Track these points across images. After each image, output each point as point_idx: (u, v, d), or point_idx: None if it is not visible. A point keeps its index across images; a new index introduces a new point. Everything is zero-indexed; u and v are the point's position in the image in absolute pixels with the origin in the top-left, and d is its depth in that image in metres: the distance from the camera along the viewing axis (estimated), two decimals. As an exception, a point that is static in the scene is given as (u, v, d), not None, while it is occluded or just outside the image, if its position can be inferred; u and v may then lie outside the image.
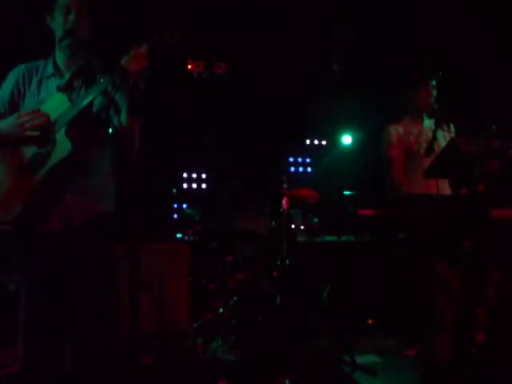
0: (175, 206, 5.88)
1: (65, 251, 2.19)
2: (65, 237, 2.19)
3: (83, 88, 2.30)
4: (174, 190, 5.67)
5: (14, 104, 2.32)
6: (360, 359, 3.67)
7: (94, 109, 2.26)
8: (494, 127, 2.26)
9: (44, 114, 2.17)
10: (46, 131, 2.17)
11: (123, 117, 2.23)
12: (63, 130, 2.15)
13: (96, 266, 2.22)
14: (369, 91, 5.72)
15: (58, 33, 2.30)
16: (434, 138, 2.64)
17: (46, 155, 2.17)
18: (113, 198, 2.39)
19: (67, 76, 2.34)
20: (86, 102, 2.15)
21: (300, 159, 6.73)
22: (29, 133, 2.16)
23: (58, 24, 2.29)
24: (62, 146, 2.14)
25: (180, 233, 4.86)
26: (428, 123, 3.14)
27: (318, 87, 6.06)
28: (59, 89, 2.28)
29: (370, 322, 4.71)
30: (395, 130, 3.15)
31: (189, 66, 5.92)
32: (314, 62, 5.95)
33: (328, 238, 4.91)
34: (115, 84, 2.15)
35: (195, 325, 3.89)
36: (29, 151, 2.20)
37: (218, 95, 5.93)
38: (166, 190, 5.60)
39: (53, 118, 2.18)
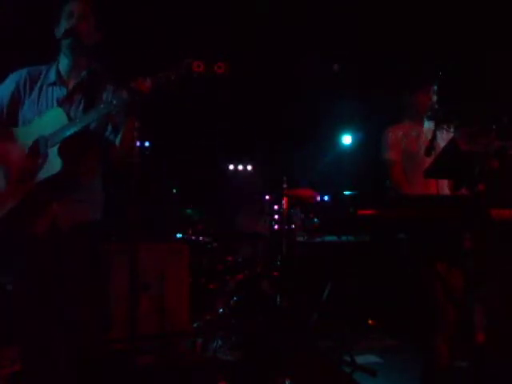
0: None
1: (51, 254, 2.18)
2: (51, 240, 2.19)
3: (82, 103, 2.30)
4: (174, 190, 5.67)
5: (13, 108, 2.31)
6: (360, 359, 3.67)
7: (91, 127, 2.25)
8: (494, 127, 2.26)
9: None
10: (39, 146, 2.18)
11: (119, 138, 2.24)
12: (56, 147, 2.15)
13: (82, 269, 2.21)
14: (369, 91, 5.72)
15: (60, 35, 2.30)
16: (434, 137, 2.64)
17: (36, 168, 2.18)
18: (101, 208, 2.38)
19: (69, 86, 2.33)
20: (83, 124, 2.15)
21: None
22: None
23: (62, 30, 2.30)
24: (53, 163, 2.14)
25: (180, 233, 4.86)
26: (428, 125, 3.15)
27: (318, 87, 6.06)
28: (59, 102, 2.28)
29: (370, 322, 4.72)
30: (394, 133, 3.16)
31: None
32: (315, 62, 5.95)
33: (328, 238, 4.91)
34: (118, 107, 2.14)
35: (195, 325, 3.89)
36: (22, 161, 2.21)
37: (218, 95, 5.93)
38: (166, 190, 5.61)
39: (48, 131, 2.17)
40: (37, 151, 2.18)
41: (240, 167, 5.74)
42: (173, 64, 2.12)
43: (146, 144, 5.89)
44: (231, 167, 5.68)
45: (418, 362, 2.86)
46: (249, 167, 5.77)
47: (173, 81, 2.11)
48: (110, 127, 2.30)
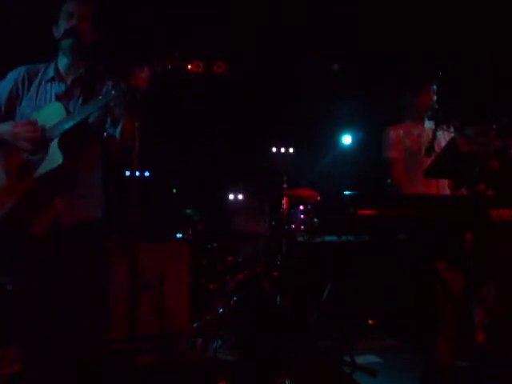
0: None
1: (51, 253, 2.18)
2: (51, 240, 2.18)
3: (81, 97, 2.29)
4: (174, 190, 5.67)
5: (11, 105, 2.31)
6: (360, 359, 3.67)
7: (91, 120, 2.25)
8: (494, 127, 2.26)
9: (38, 130, 2.17)
10: (38, 139, 2.18)
11: (118, 130, 2.23)
12: (56, 141, 2.14)
13: (82, 269, 2.21)
14: (369, 91, 5.72)
15: (60, 35, 2.30)
16: (434, 137, 2.64)
17: (36, 162, 2.17)
18: (102, 205, 2.38)
19: (67, 82, 2.33)
20: (82, 116, 2.14)
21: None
22: (21, 143, 2.18)
23: (61, 29, 2.29)
24: (54, 156, 2.13)
25: (180, 233, 4.86)
26: (429, 124, 3.15)
27: (317, 87, 6.06)
28: (57, 97, 2.27)
29: (370, 322, 4.72)
30: (395, 132, 3.17)
31: (189, 66, 5.91)
32: (315, 62, 5.95)
33: (328, 238, 4.91)
34: (117, 99, 2.14)
35: (195, 325, 3.89)
36: (21, 156, 2.20)
37: (217, 95, 5.93)
38: (166, 190, 5.61)
39: (47, 125, 2.17)
40: (37, 146, 2.18)
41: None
42: (169, 53, 2.12)
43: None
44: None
45: (417, 362, 2.86)
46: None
47: (170, 70, 2.10)
48: (109, 120, 2.30)
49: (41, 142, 2.17)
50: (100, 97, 2.15)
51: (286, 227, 3.87)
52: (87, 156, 2.30)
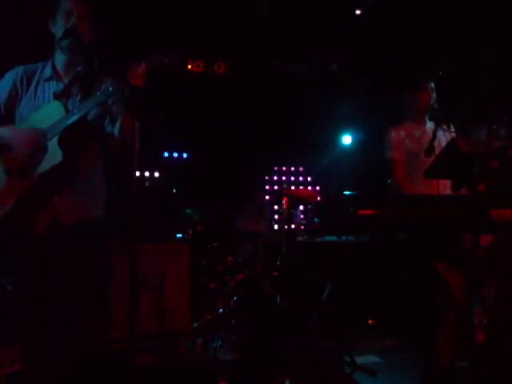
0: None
1: (51, 253, 2.18)
2: (51, 239, 2.18)
3: (79, 95, 2.29)
4: (174, 190, 5.66)
5: (10, 105, 2.32)
6: (360, 359, 3.67)
7: (89, 117, 2.25)
8: (494, 127, 2.26)
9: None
10: (38, 138, 2.18)
11: (117, 127, 2.23)
12: (55, 139, 2.14)
13: (82, 268, 2.20)
14: (369, 91, 5.72)
15: (59, 34, 2.30)
16: (434, 138, 2.64)
17: (36, 161, 2.17)
18: (103, 204, 2.38)
19: (65, 81, 2.33)
20: (81, 113, 2.14)
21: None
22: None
23: (59, 26, 2.29)
24: (53, 154, 2.13)
25: (180, 233, 4.85)
26: (430, 124, 3.15)
27: (318, 87, 6.06)
28: (56, 96, 2.27)
29: (370, 322, 4.72)
30: (396, 133, 3.16)
31: (189, 66, 5.92)
32: (315, 62, 5.95)
33: (328, 238, 4.91)
34: (115, 96, 2.14)
35: (195, 325, 3.88)
36: (22, 155, 2.19)
37: (217, 95, 5.93)
38: (166, 190, 5.60)
39: (46, 125, 2.17)
40: (36, 145, 2.18)
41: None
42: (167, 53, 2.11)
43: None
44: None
45: (417, 362, 2.86)
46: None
47: (167, 65, 2.09)
48: (107, 117, 2.30)
49: (41, 135, 2.17)
50: (98, 94, 2.15)
51: (286, 227, 3.87)
52: (87, 153, 2.30)
